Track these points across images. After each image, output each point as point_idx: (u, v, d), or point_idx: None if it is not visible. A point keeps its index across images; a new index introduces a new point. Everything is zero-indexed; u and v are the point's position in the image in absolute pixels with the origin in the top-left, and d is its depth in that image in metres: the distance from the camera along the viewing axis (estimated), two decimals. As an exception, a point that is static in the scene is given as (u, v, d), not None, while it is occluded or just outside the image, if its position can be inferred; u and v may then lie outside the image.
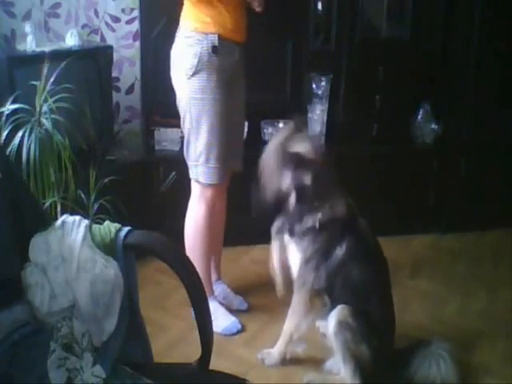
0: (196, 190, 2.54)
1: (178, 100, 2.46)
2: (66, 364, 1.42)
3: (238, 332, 2.58)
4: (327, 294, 2.23)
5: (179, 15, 2.45)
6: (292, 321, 2.33)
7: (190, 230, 2.57)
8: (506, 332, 2.64)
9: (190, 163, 2.51)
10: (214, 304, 2.55)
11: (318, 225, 2.18)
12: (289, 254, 2.31)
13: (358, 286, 2.20)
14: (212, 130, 2.40)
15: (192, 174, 2.52)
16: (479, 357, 2.47)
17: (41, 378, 1.39)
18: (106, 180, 2.55)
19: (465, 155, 3.47)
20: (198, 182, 2.51)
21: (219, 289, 2.76)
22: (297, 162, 2.18)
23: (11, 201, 1.52)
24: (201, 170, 2.47)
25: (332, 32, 3.27)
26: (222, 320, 2.55)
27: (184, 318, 2.55)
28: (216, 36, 2.34)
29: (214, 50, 2.34)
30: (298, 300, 2.30)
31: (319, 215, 2.19)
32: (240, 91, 2.53)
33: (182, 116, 2.47)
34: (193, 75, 2.36)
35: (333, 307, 2.20)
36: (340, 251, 2.18)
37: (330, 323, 2.17)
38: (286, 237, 2.29)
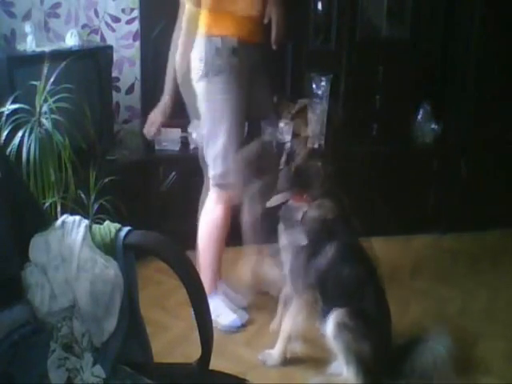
0: (213, 191, 2.55)
1: (197, 102, 2.47)
2: (66, 364, 1.42)
3: (243, 326, 2.59)
4: (319, 291, 2.24)
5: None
6: (289, 319, 2.33)
7: (205, 230, 2.58)
8: (507, 332, 2.64)
9: (208, 165, 2.52)
10: (218, 300, 2.56)
11: (300, 219, 2.20)
12: (281, 244, 2.32)
13: (350, 286, 2.21)
14: (231, 131, 2.42)
15: (210, 175, 2.53)
16: (479, 356, 2.47)
17: (41, 377, 1.39)
18: (106, 180, 2.55)
19: (465, 155, 3.47)
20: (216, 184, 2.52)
21: (220, 288, 2.76)
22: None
23: (11, 201, 1.52)
24: (219, 172, 2.49)
25: (332, 32, 3.27)
26: (226, 315, 2.55)
27: (184, 318, 2.55)
28: (235, 38, 2.36)
29: (234, 51, 2.36)
30: (294, 299, 2.30)
31: (304, 210, 2.20)
32: (263, 90, 2.55)
33: (201, 120, 2.49)
34: (213, 77, 2.37)
35: (328, 310, 2.21)
36: (329, 250, 2.19)
37: (329, 327, 2.18)
38: (281, 226, 2.31)
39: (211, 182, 2.55)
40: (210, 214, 2.57)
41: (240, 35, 2.40)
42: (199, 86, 2.43)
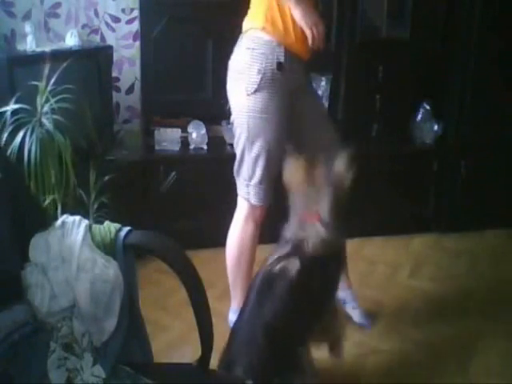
0: (244, 208, 2.42)
1: (232, 116, 2.35)
2: (66, 364, 1.42)
3: None
4: None
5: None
6: None
7: (235, 249, 2.45)
8: (507, 332, 2.64)
9: (241, 181, 2.39)
10: None
11: None
12: None
13: None
14: (268, 151, 2.28)
15: (242, 192, 2.40)
16: (480, 357, 2.47)
17: (41, 378, 1.39)
18: (106, 179, 2.55)
19: (465, 155, 3.47)
20: (247, 201, 2.40)
21: None
22: None
23: (11, 201, 1.52)
24: (253, 190, 2.36)
25: (332, 32, 3.27)
26: None
27: (184, 318, 2.55)
28: (283, 50, 2.20)
29: (279, 66, 2.20)
30: None
31: None
32: (303, 110, 2.38)
33: (236, 134, 2.34)
34: (254, 92, 2.22)
35: None
36: None
37: None
38: None
39: (243, 198, 2.41)
40: (241, 233, 2.43)
41: (298, 50, 2.26)
42: (249, 100, 2.23)
